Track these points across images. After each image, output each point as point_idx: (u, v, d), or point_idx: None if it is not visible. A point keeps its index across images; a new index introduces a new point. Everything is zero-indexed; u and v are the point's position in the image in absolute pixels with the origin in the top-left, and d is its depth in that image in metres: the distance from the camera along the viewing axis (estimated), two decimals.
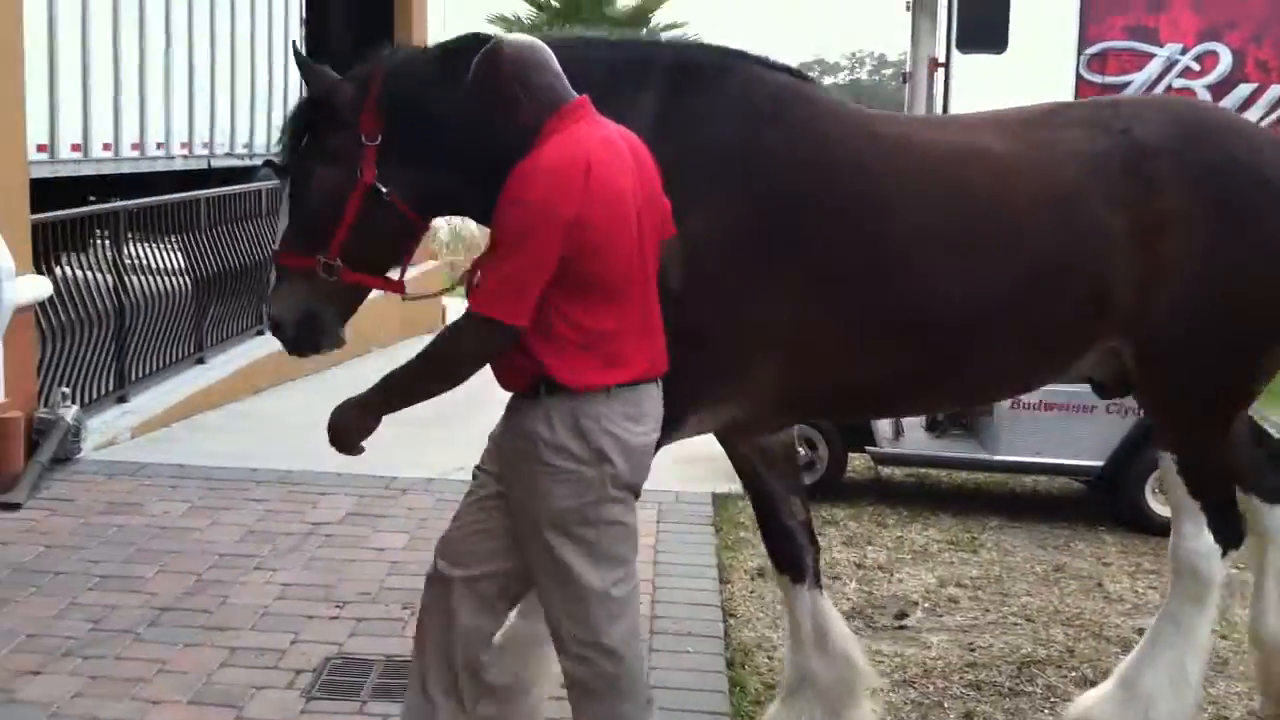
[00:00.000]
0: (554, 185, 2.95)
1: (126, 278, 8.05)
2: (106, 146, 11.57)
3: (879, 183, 3.67)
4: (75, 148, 11.07)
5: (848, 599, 5.46)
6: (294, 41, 3.71)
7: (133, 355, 8.06)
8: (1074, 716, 4.15)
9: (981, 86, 7.11)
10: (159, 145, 12.62)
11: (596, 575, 3.07)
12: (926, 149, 3.79)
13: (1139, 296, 3.72)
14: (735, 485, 6.85)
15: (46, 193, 8.43)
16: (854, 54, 69.08)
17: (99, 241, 8.03)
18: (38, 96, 9.77)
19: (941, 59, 7.41)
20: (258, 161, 14.58)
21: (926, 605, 5.41)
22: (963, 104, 7.08)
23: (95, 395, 7.53)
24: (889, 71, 55.15)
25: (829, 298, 3.61)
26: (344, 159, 3.37)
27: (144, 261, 8.43)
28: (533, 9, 20.87)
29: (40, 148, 10.34)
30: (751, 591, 5.42)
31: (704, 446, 7.37)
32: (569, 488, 3.03)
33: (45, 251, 7.10)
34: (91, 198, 10.71)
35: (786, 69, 3.87)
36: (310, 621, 4.82)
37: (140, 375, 8.17)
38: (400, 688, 4.27)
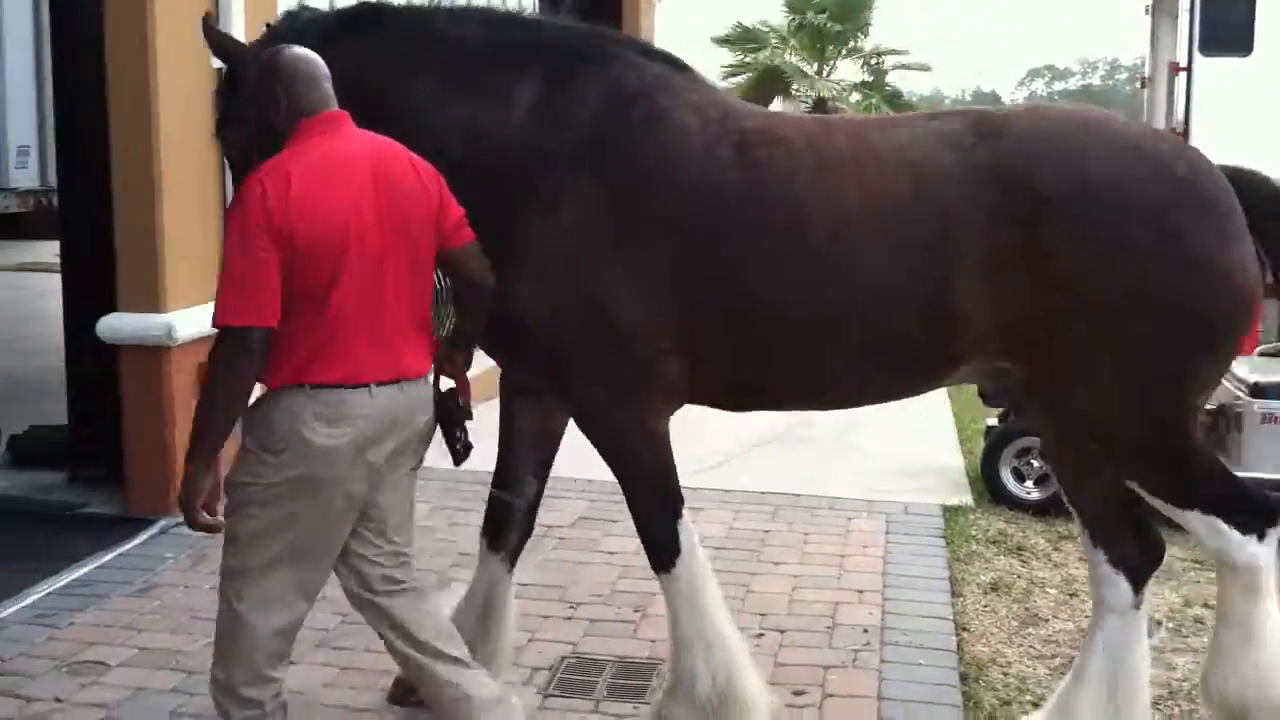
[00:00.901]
0: (257, 192, 3.14)
1: None
2: None
3: (724, 176, 3.66)
4: None
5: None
6: (206, 14, 3.89)
7: None
8: None
9: (1225, 90, 6.86)
10: None
11: (236, 554, 3.29)
12: (776, 146, 3.73)
13: (1002, 320, 3.59)
14: (966, 497, 6.81)
15: None
16: (1086, 59, 67.17)
17: None
18: None
19: (1183, 63, 7.16)
20: None
21: (1171, 625, 5.23)
22: (1205, 108, 6.84)
23: None
24: (1123, 76, 53.43)
25: (678, 289, 3.66)
26: (242, 136, 3.46)
27: None
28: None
29: None
30: (985, 606, 5.33)
31: (931, 459, 7.29)
32: (246, 467, 3.27)
33: None
34: None
35: (665, 57, 3.91)
36: (546, 621, 4.94)
37: None
38: (634, 688, 4.37)
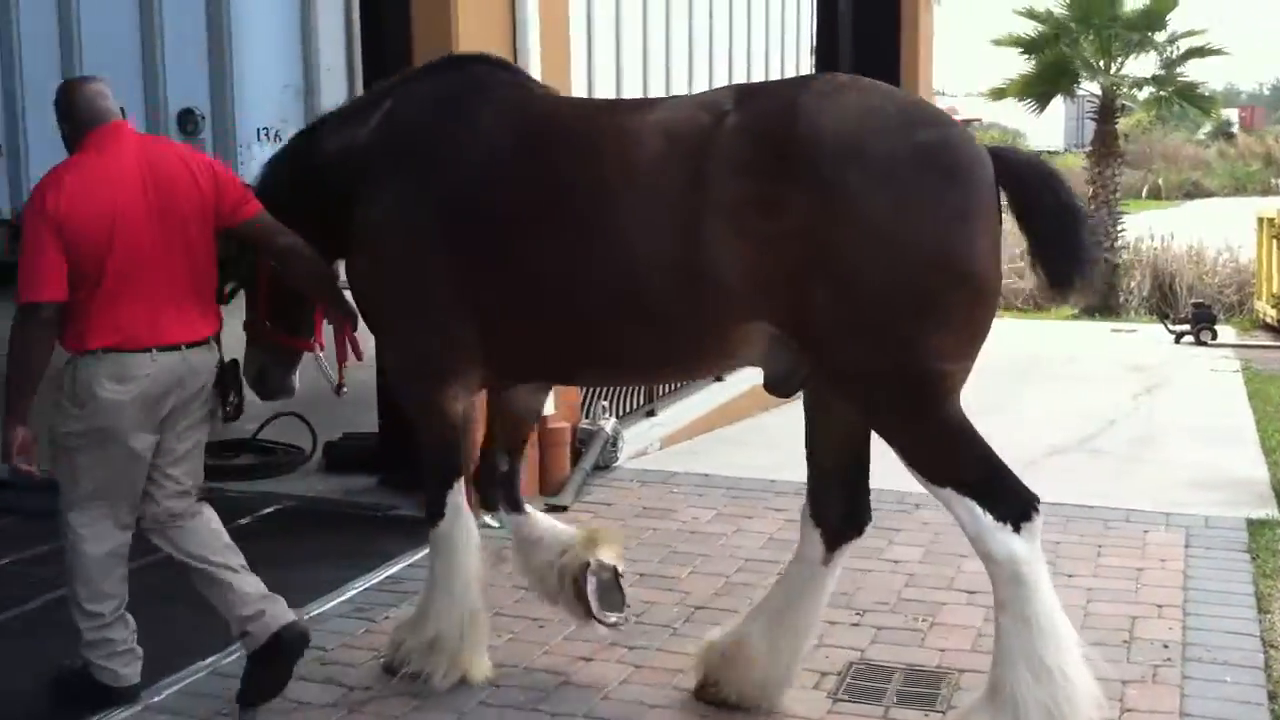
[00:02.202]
0: (40, 193, 3.96)
1: None
2: None
3: (502, 162, 4.10)
4: None
5: None
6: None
7: None
8: None
9: None
10: None
11: (64, 491, 4.12)
12: (554, 132, 4.12)
13: (757, 281, 3.70)
14: (1271, 510, 6.48)
15: None
16: None
17: None
18: (577, 53, 10.55)
19: None
20: None
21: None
22: None
23: (628, 409, 8.10)
24: None
25: (466, 267, 4.12)
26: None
27: None
28: (1035, 22, 20.32)
29: None
30: None
31: (1233, 471, 6.96)
32: (59, 418, 4.06)
33: None
34: None
35: (502, 64, 4.55)
36: (833, 627, 4.97)
37: (667, 391, 8.70)
38: (923, 696, 4.36)
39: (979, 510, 3.69)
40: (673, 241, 3.78)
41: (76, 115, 4.11)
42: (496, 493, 4.74)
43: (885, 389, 3.73)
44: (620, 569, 4.73)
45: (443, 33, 6.06)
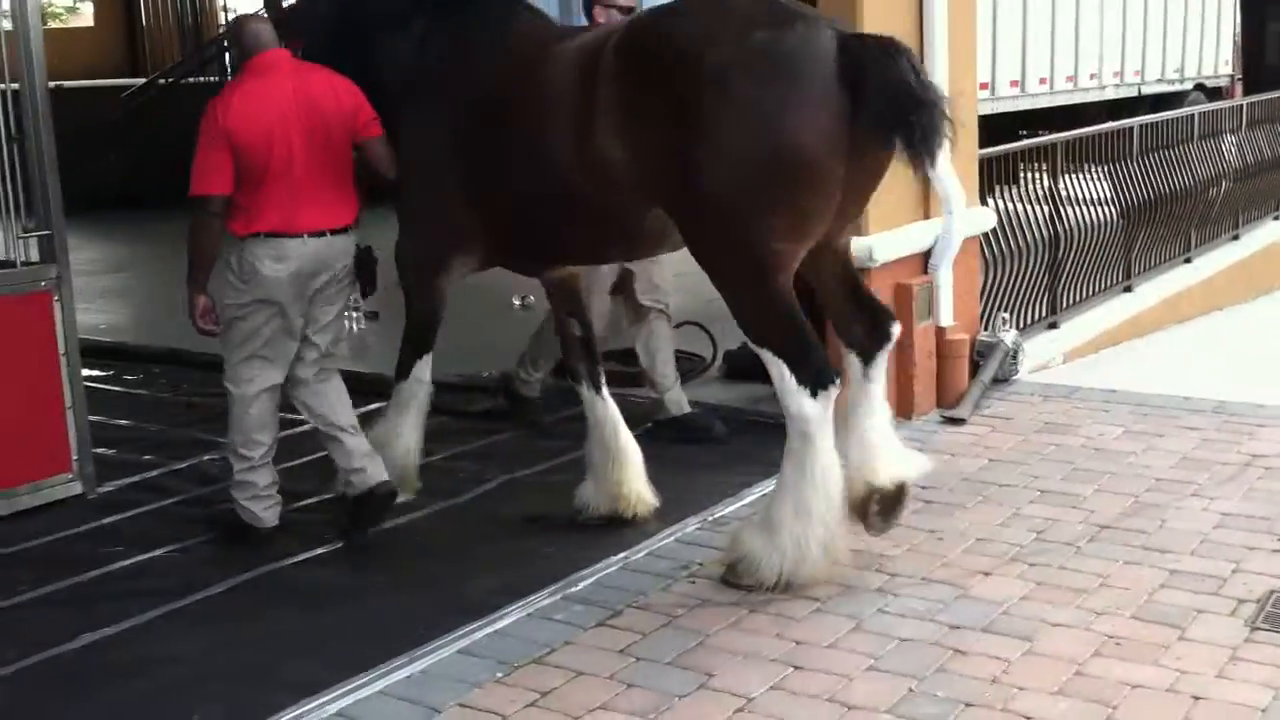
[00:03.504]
0: (211, 105, 4.82)
1: (1060, 208, 8.31)
2: (1042, 80, 11.88)
3: (485, 79, 4.97)
4: (1014, 83, 11.50)
5: None
6: None
7: (1064, 283, 8.31)
8: (729, 539, 4.67)
9: None
10: (1091, 76, 12.71)
11: (228, 353, 4.98)
12: (516, 55, 4.89)
13: (639, 174, 4.40)
14: None
15: (982, 129, 8.90)
16: None
17: (1032, 174, 8.35)
18: (980, 37, 10.29)
19: None
20: (1188, 85, 14.18)
21: None
22: None
23: (1029, 320, 7.88)
24: None
25: (463, 162, 4.98)
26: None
27: (1075, 192, 8.63)
28: None
29: (982, 85, 10.90)
30: None
31: None
32: (228, 291, 4.89)
33: (986, 184, 7.54)
34: (1023, 131, 11.09)
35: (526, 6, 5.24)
36: (1251, 553, 4.73)
37: (1070, 302, 8.40)
38: None
39: (786, 373, 4.32)
40: (578, 142, 4.51)
41: (244, 44, 4.98)
42: (580, 365, 5.31)
43: (726, 262, 4.38)
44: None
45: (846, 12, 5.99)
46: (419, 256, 5.24)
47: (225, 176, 4.79)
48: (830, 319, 4.91)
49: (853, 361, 4.69)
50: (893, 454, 4.75)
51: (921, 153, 4.10)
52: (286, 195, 4.85)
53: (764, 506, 4.61)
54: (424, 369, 5.32)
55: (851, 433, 4.67)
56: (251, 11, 5.70)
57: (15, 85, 5.55)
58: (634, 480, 5.17)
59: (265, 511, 5.10)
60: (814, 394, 4.30)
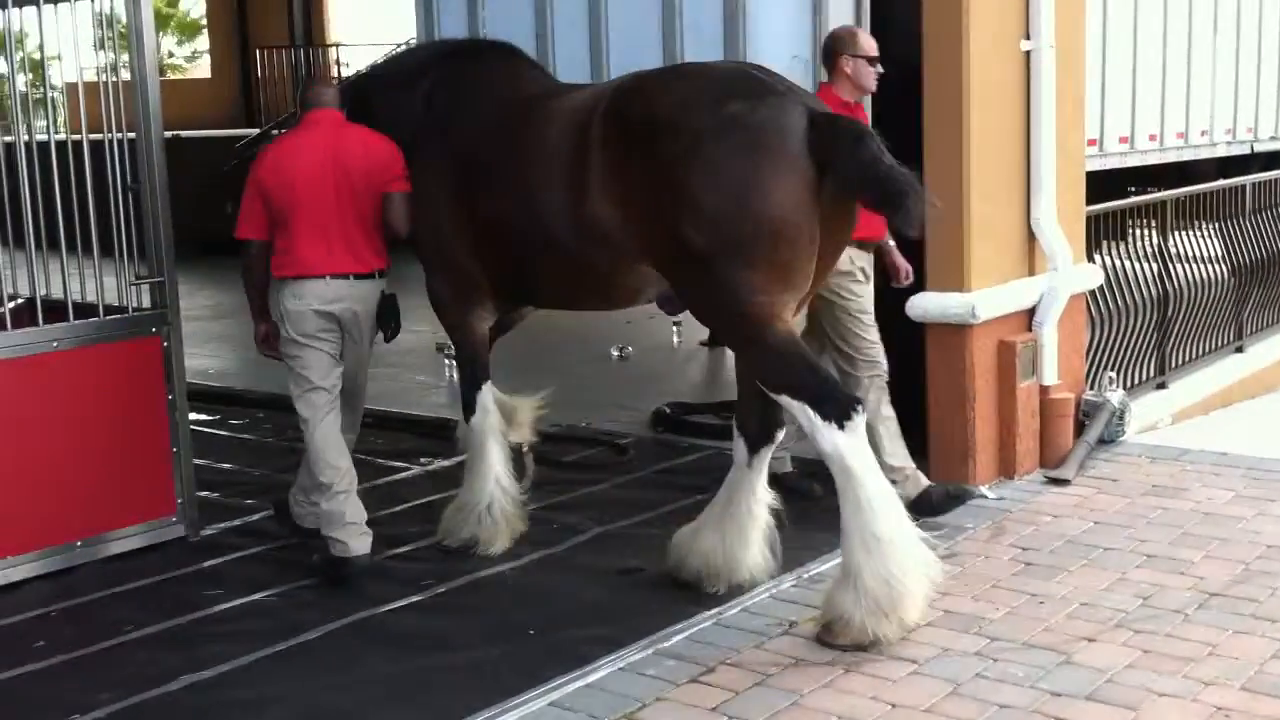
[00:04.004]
0: (255, 161, 5.32)
1: (1170, 266, 8.15)
2: (1152, 137, 11.69)
3: (485, 132, 5.27)
4: (1123, 139, 11.33)
5: None
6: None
7: (1173, 342, 8.14)
8: (825, 598, 4.64)
9: None
10: (1202, 133, 12.49)
11: (293, 390, 5.38)
12: (513, 112, 5.22)
13: (626, 232, 4.70)
14: None
15: (1090, 185, 8.78)
16: None
17: (1141, 231, 8.21)
18: (1089, 92, 10.17)
19: None
20: None
21: None
22: None
23: (1137, 380, 7.72)
24: None
25: (466, 212, 5.31)
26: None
27: (1185, 250, 8.47)
28: None
29: (1090, 141, 10.75)
30: None
31: None
32: (281, 335, 5.35)
33: (1093, 240, 7.43)
34: (1132, 188, 10.91)
35: (520, 54, 5.80)
36: None
37: (1180, 362, 8.22)
38: None
39: (811, 412, 4.42)
40: (570, 199, 4.81)
41: (302, 101, 5.48)
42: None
43: (720, 318, 4.80)
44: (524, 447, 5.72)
45: (953, 4, 5.97)
46: (445, 297, 5.58)
47: (256, 222, 5.30)
48: (741, 388, 5.09)
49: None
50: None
51: (904, 223, 4.43)
52: (317, 240, 5.22)
53: (842, 561, 4.55)
54: (487, 398, 5.54)
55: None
56: (322, 76, 6.22)
57: (131, 135, 5.71)
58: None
59: (356, 540, 5.23)
60: (841, 426, 4.40)
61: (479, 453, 5.51)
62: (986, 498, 6.09)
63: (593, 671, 4.36)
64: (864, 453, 4.42)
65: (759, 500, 5.01)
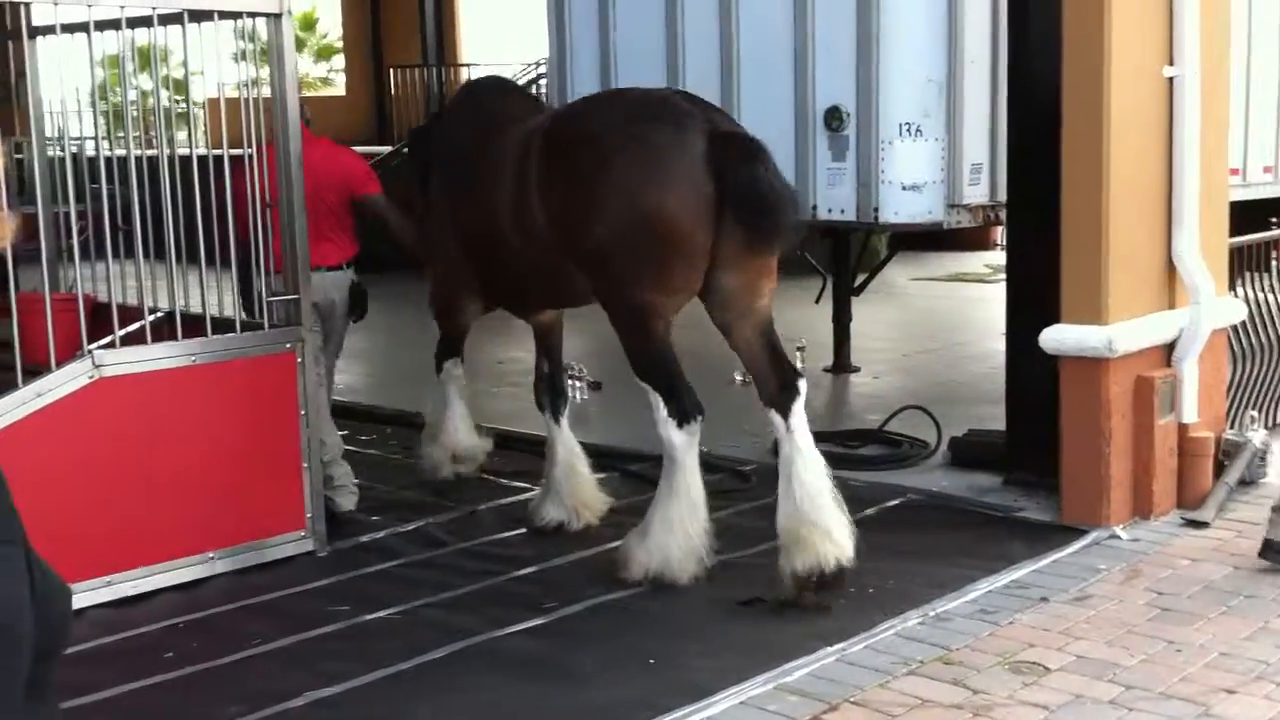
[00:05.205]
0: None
1: None
2: None
3: (464, 152, 6.00)
4: (1267, 169, 11.01)
5: None
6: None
7: None
8: (620, 550, 5.49)
9: None
10: None
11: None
12: (486, 136, 5.84)
13: (557, 237, 5.34)
14: None
15: (1233, 216, 8.52)
16: None
17: None
18: (1233, 121, 9.88)
19: None
20: None
21: None
22: None
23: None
24: None
25: (455, 225, 6.05)
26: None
27: None
28: None
29: (1233, 171, 10.44)
30: None
31: None
32: None
33: (1236, 273, 7.19)
34: (1274, 219, 10.57)
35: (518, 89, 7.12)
36: None
37: None
38: None
39: (661, 405, 5.19)
40: (516, 210, 5.49)
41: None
42: (544, 398, 6.34)
43: (615, 311, 5.34)
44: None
45: (1094, 22, 5.83)
46: (438, 298, 6.51)
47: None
48: (753, 380, 5.55)
49: (774, 417, 5.32)
50: (830, 517, 5.17)
51: (761, 240, 5.07)
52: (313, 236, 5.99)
53: (643, 522, 5.37)
54: (457, 367, 6.61)
55: (788, 484, 5.23)
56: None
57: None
58: (583, 492, 6.19)
59: (343, 499, 6.24)
60: (680, 425, 5.19)
61: (446, 402, 6.66)
62: (1121, 538, 5.91)
63: (712, 704, 4.31)
64: (692, 451, 5.25)
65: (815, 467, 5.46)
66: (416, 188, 6.52)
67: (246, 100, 5.85)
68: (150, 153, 6.12)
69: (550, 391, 6.33)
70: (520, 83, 11.24)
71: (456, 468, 6.79)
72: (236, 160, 5.84)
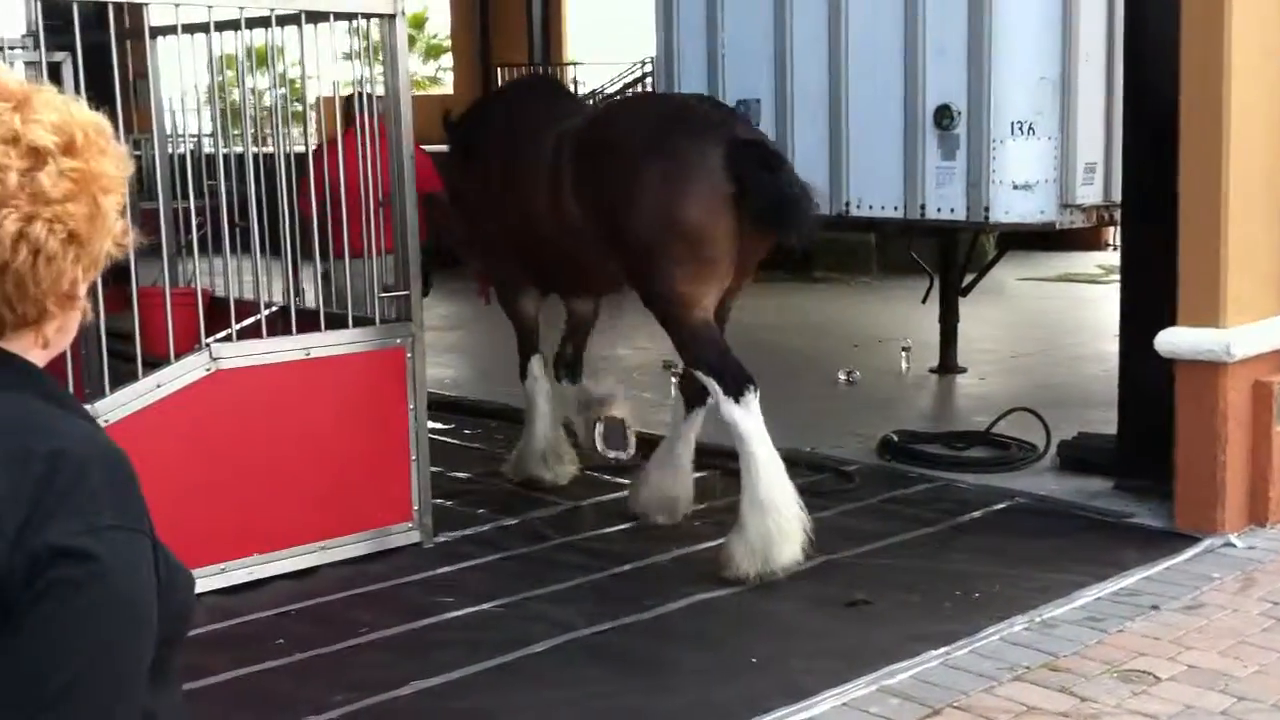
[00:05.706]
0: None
1: None
2: None
3: (497, 149, 6.33)
4: None
5: None
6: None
7: None
8: (722, 550, 5.50)
9: None
10: None
11: None
12: (524, 134, 6.17)
13: (595, 233, 5.71)
14: None
15: None
16: None
17: None
18: None
19: None
20: None
21: None
22: None
23: None
24: None
25: (496, 216, 6.37)
26: None
27: None
28: None
29: None
30: None
31: None
32: None
33: None
34: None
35: (561, 89, 7.95)
36: None
37: None
38: None
39: (715, 385, 5.40)
40: (555, 205, 5.83)
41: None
42: (560, 370, 6.86)
43: (654, 303, 5.65)
44: (627, 419, 6.52)
45: (1214, 19, 5.70)
46: (499, 283, 6.83)
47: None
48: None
49: (690, 406, 6.01)
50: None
51: (784, 237, 5.45)
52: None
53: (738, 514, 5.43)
54: (537, 366, 6.76)
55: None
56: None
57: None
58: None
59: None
60: (736, 400, 5.33)
61: (531, 408, 6.77)
62: (1236, 546, 5.78)
63: (815, 705, 4.30)
64: (755, 421, 5.34)
65: (688, 446, 6.12)
66: (458, 177, 6.88)
67: (353, 96, 5.96)
68: (267, 150, 6.25)
69: (568, 372, 6.88)
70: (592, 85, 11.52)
71: (543, 473, 6.80)
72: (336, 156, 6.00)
